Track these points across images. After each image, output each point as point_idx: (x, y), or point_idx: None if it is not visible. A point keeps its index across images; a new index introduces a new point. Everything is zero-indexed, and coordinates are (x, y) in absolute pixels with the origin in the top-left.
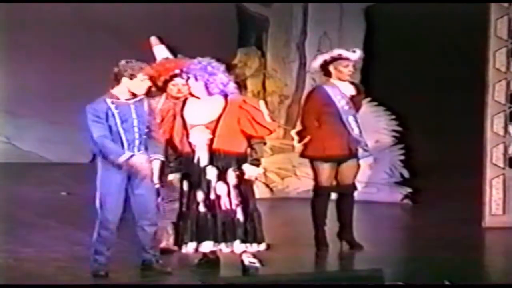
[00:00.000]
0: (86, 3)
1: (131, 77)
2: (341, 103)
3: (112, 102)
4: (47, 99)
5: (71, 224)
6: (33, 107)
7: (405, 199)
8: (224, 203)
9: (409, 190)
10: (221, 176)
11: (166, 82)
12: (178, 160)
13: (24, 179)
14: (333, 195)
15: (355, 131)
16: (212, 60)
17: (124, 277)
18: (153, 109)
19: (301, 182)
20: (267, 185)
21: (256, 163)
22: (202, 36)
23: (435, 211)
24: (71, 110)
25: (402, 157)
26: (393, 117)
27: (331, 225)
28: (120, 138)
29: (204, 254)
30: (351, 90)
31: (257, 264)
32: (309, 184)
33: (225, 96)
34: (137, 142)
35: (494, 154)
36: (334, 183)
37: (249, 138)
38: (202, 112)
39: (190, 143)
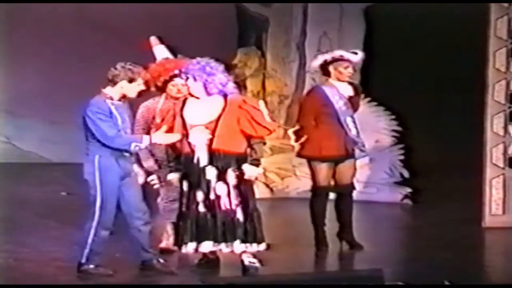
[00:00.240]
0: (86, 3)
1: (131, 81)
2: (339, 104)
3: (112, 104)
4: (47, 99)
5: (71, 224)
6: (33, 107)
7: (405, 199)
8: (224, 203)
9: (409, 190)
10: (221, 176)
11: (165, 83)
12: (178, 160)
13: (24, 179)
14: (332, 195)
15: (353, 132)
16: (210, 60)
17: (124, 277)
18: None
19: (301, 182)
20: (267, 185)
21: (256, 163)
22: (202, 36)
23: (435, 211)
24: (71, 110)
25: (402, 157)
26: (393, 117)
27: (331, 225)
28: None
29: (204, 254)
30: (349, 91)
31: (257, 264)
32: (309, 184)
33: (225, 96)
34: None
35: (494, 154)
36: (332, 183)
37: (249, 138)
38: (201, 112)
39: (189, 143)
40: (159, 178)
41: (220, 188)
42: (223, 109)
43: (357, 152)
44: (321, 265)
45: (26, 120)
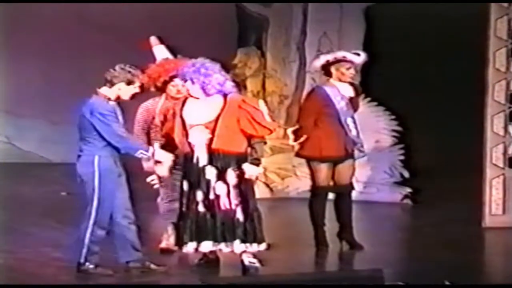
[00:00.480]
0: (86, 3)
1: (129, 83)
2: (341, 104)
3: (112, 104)
4: (47, 99)
5: (71, 224)
6: (33, 107)
7: (405, 199)
8: (224, 203)
9: (409, 190)
10: (221, 176)
11: (165, 83)
12: (177, 159)
13: (24, 179)
14: (331, 195)
15: (353, 132)
16: (206, 61)
17: (124, 277)
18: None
19: (301, 182)
20: (267, 185)
21: (257, 162)
22: (202, 36)
23: (435, 211)
24: (71, 110)
25: (402, 157)
26: (393, 117)
27: (331, 225)
28: None
29: (204, 254)
30: (350, 91)
31: (257, 264)
32: (309, 184)
33: (224, 95)
34: None
35: (494, 154)
36: (332, 183)
37: (249, 137)
38: (201, 112)
39: (189, 143)
40: (159, 178)
41: (219, 188)
42: (222, 109)
43: (355, 152)
44: (321, 265)
45: (26, 120)
